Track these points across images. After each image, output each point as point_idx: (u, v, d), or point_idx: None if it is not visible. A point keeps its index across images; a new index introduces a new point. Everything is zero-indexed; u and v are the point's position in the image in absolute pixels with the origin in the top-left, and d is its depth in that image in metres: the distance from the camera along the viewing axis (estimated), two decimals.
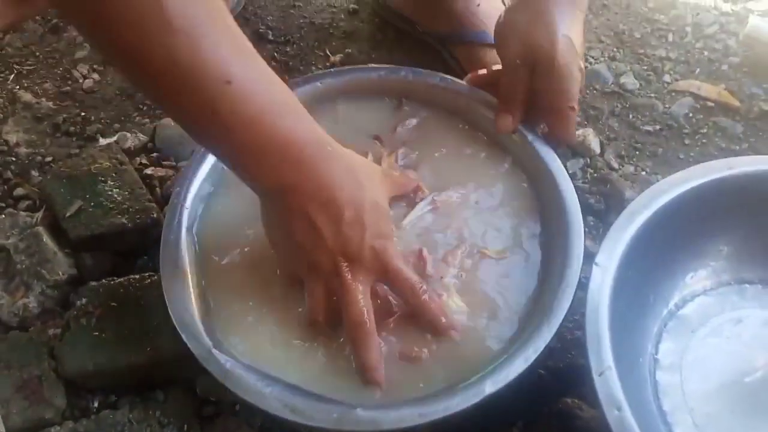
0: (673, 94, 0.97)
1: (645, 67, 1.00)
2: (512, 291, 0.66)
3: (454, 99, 0.79)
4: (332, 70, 0.84)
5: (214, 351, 0.59)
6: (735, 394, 0.67)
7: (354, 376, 0.60)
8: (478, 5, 0.94)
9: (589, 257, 0.65)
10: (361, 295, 0.59)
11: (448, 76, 0.80)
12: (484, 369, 0.59)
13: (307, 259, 0.60)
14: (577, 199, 0.69)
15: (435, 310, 0.62)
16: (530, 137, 0.74)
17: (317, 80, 0.80)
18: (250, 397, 0.57)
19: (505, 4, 0.97)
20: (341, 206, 0.57)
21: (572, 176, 0.87)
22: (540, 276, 0.67)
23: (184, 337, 0.60)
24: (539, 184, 0.73)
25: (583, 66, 0.71)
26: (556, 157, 0.73)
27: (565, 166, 0.86)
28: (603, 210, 0.84)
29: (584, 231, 0.67)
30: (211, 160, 0.72)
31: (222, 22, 0.52)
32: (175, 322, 0.61)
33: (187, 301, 0.63)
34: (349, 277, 0.59)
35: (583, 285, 0.63)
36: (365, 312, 0.59)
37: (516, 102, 0.73)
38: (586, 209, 0.83)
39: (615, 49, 1.02)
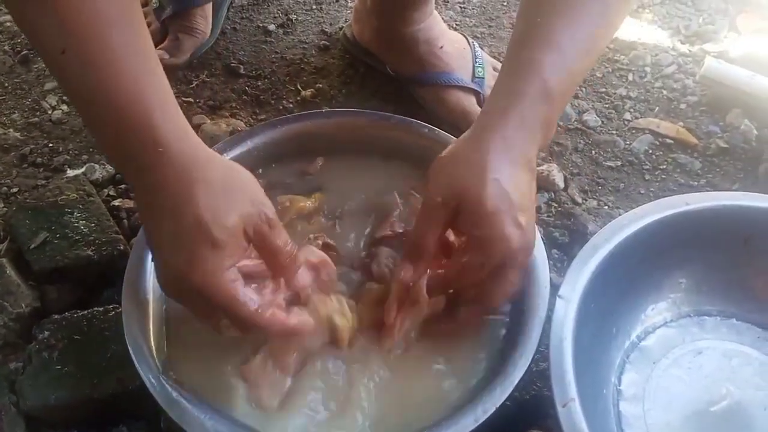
0: (634, 131, 1.00)
1: (606, 105, 1.03)
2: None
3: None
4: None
5: (163, 379, 0.59)
6: (698, 424, 0.69)
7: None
8: (441, 47, 0.96)
9: (555, 289, 0.66)
10: (198, 313, 0.58)
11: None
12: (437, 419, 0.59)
13: None
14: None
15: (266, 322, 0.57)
16: None
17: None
18: (191, 429, 0.57)
19: (470, 44, 0.99)
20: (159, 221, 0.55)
21: (537, 210, 0.89)
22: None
23: (135, 362, 0.60)
24: None
25: (524, 222, 0.58)
26: None
27: None
28: (567, 243, 0.85)
29: (549, 265, 0.68)
30: None
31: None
32: (129, 348, 0.61)
33: (144, 328, 0.63)
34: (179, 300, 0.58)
35: (547, 317, 0.64)
36: (212, 324, 0.58)
37: (423, 249, 0.61)
38: (551, 242, 0.85)
39: (578, 88, 1.05)
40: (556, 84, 0.59)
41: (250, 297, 0.56)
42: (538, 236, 0.70)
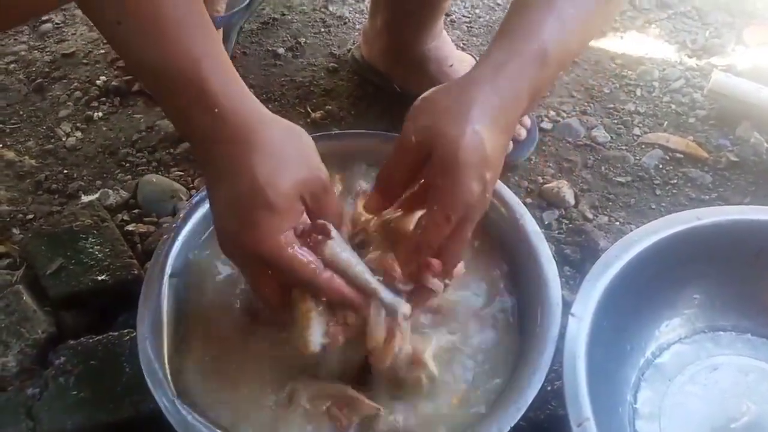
0: (643, 146, 1.00)
1: (615, 121, 1.04)
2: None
3: None
4: None
5: (177, 402, 0.60)
6: None
7: None
8: (451, 66, 0.97)
9: (567, 307, 0.66)
10: (250, 279, 0.59)
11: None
12: None
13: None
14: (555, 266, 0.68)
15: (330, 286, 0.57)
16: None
17: None
18: None
19: None
20: (226, 187, 0.55)
21: (548, 227, 0.89)
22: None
23: (150, 385, 0.61)
24: (512, 240, 0.73)
25: (488, 178, 0.56)
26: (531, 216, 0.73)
27: (541, 218, 0.89)
28: (579, 260, 0.85)
29: (561, 283, 0.68)
30: (195, 217, 0.73)
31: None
32: (144, 372, 0.62)
33: (158, 352, 0.63)
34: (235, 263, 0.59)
35: (560, 335, 0.64)
36: (261, 294, 0.58)
37: (391, 185, 0.60)
38: (563, 259, 0.85)
39: (586, 104, 1.06)
40: (553, 49, 0.58)
41: (308, 258, 0.56)
42: (550, 253, 0.70)
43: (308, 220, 0.58)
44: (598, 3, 0.63)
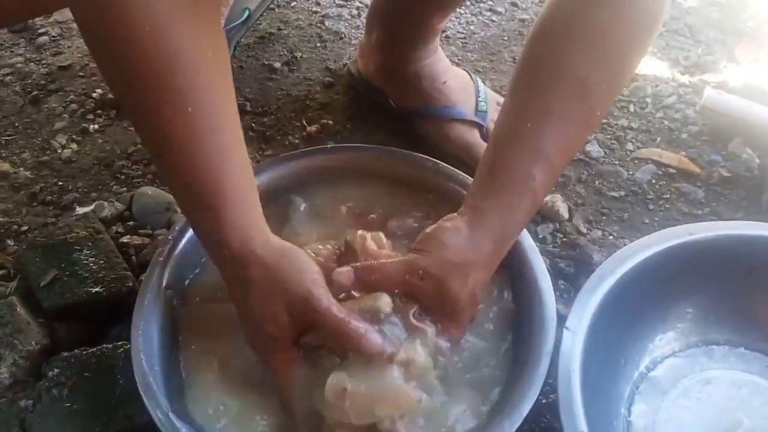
0: (637, 161, 1.01)
1: (609, 136, 1.04)
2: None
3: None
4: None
5: (171, 415, 0.59)
6: None
7: None
8: (444, 82, 0.98)
9: (562, 320, 0.66)
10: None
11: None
12: None
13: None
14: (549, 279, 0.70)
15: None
16: None
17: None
18: None
19: (472, 79, 1.01)
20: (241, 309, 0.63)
21: (542, 241, 0.90)
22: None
23: (144, 398, 0.61)
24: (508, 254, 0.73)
25: (476, 311, 0.68)
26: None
27: (535, 231, 0.90)
28: (573, 274, 0.86)
29: (555, 296, 0.69)
30: (190, 230, 0.73)
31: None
32: (138, 384, 0.62)
33: (152, 364, 0.63)
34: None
35: (555, 348, 0.64)
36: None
37: (373, 283, 0.64)
38: (557, 273, 0.85)
39: None
40: (543, 192, 0.67)
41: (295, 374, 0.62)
42: (545, 267, 0.71)
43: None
44: (581, 133, 0.70)
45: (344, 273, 0.63)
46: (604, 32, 0.66)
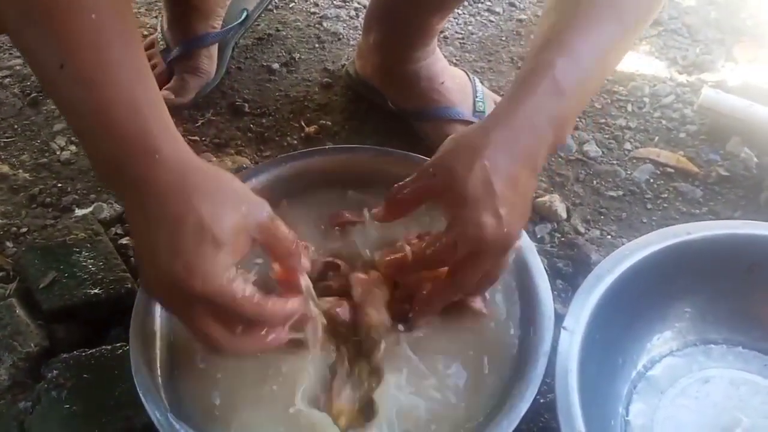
0: (634, 161, 1.01)
1: (606, 136, 1.05)
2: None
3: None
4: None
5: (170, 416, 0.60)
6: None
7: None
8: (443, 83, 0.98)
9: (559, 320, 0.66)
10: (194, 323, 0.58)
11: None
12: None
13: None
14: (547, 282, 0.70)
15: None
16: None
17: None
18: None
19: (470, 79, 1.01)
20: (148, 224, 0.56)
21: (540, 240, 0.90)
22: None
23: (142, 399, 0.61)
24: None
25: (504, 213, 0.58)
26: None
27: (533, 231, 0.90)
28: (571, 273, 0.86)
29: (553, 296, 0.69)
30: None
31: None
32: (137, 385, 0.62)
33: (151, 365, 0.63)
34: (172, 310, 0.59)
35: (552, 348, 0.64)
36: (206, 336, 0.58)
37: (399, 201, 0.64)
38: (555, 273, 0.85)
39: (577, 119, 1.07)
40: (567, 84, 0.61)
41: (250, 291, 0.56)
42: (542, 266, 0.71)
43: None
44: (615, 39, 0.64)
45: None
46: None
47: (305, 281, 0.62)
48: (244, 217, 0.56)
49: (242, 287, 0.56)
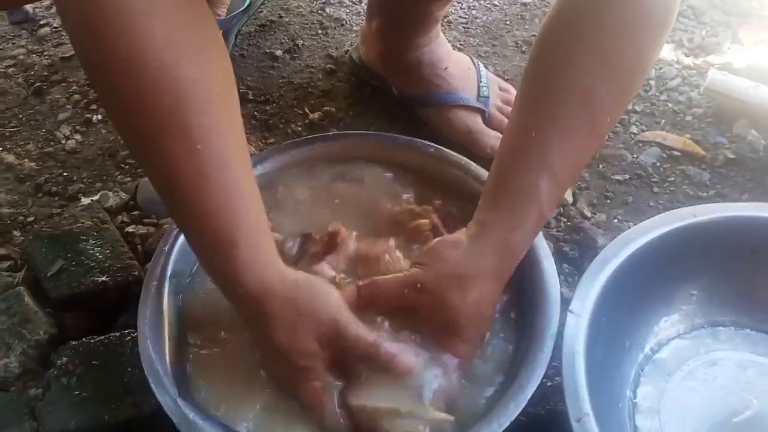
0: (641, 144, 1.01)
1: None
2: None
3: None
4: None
5: (179, 400, 0.60)
6: None
7: None
8: (446, 68, 0.98)
9: (566, 304, 0.66)
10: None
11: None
12: None
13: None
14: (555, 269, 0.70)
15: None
16: None
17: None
18: None
19: (474, 64, 1.00)
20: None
21: (546, 225, 0.89)
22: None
23: (151, 384, 0.61)
24: None
25: (483, 332, 0.67)
26: None
27: None
28: (577, 257, 0.86)
29: (559, 280, 0.69)
30: None
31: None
32: (145, 370, 0.62)
33: (159, 351, 0.64)
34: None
35: (559, 331, 0.64)
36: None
37: (377, 299, 0.66)
38: (561, 257, 0.85)
39: None
40: (549, 207, 0.65)
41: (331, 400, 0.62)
42: (549, 250, 0.71)
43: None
44: (589, 147, 0.67)
45: (348, 293, 0.65)
46: (612, 34, 0.62)
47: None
48: (320, 340, 0.60)
49: (323, 398, 0.61)
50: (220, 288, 0.61)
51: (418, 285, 0.64)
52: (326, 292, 0.61)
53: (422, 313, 0.65)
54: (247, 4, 1.13)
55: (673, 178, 0.96)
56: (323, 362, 0.61)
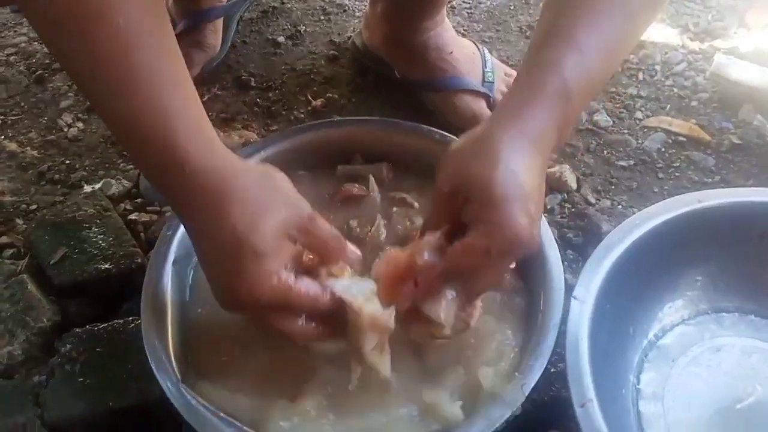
0: (646, 130, 1.00)
1: (617, 105, 1.03)
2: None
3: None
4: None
5: (182, 387, 0.60)
6: (720, 421, 0.68)
7: None
8: (451, 53, 0.97)
9: (570, 290, 0.66)
10: (265, 326, 0.59)
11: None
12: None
13: None
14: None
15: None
16: None
17: None
18: None
19: (479, 49, 1.00)
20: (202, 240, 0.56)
21: (550, 211, 0.89)
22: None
23: (154, 370, 0.61)
24: None
25: (533, 211, 0.55)
26: None
27: (544, 202, 0.89)
28: (581, 244, 0.85)
29: (564, 266, 0.68)
30: None
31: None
32: (148, 356, 0.62)
33: (163, 337, 0.64)
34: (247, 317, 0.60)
35: (563, 318, 0.64)
36: (281, 334, 0.58)
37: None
38: (565, 243, 0.85)
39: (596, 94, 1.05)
40: (575, 84, 0.58)
41: (306, 288, 0.56)
42: (552, 237, 0.70)
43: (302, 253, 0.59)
44: (622, 31, 0.61)
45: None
46: None
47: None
48: (283, 221, 0.55)
49: (295, 286, 0.55)
50: (165, 186, 0.55)
51: (446, 187, 0.57)
52: (290, 185, 0.58)
53: (465, 215, 0.57)
54: None
55: (678, 164, 0.96)
56: (285, 250, 0.55)
